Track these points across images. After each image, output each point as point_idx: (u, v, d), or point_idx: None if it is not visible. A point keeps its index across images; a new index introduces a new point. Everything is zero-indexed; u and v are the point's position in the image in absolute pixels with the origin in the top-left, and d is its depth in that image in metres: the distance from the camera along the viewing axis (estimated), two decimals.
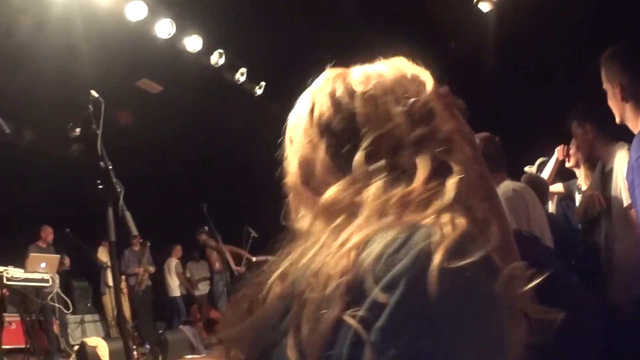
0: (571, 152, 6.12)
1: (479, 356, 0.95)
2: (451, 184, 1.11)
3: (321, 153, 1.29)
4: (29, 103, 10.65)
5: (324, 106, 1.33)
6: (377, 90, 1.28)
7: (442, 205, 1.07)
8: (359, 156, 1.20)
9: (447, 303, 0.93)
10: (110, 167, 4.59)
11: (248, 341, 1.20)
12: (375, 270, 0.98)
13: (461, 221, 1.02)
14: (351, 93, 1.30)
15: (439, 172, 1.14)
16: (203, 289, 18.15)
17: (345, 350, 0.96)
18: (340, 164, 1.25)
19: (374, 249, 1.01)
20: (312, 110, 1.36)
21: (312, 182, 1.32)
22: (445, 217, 1.03)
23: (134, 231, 4.55)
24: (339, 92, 1.32)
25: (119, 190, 4.50)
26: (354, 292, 0.99)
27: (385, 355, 0.90)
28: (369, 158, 1.19)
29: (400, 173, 1.16)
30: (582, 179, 6.21)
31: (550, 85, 11.96)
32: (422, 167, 1.14)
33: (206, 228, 16.46)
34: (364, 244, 1.04)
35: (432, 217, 1.04)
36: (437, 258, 0.93)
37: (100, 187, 4.54)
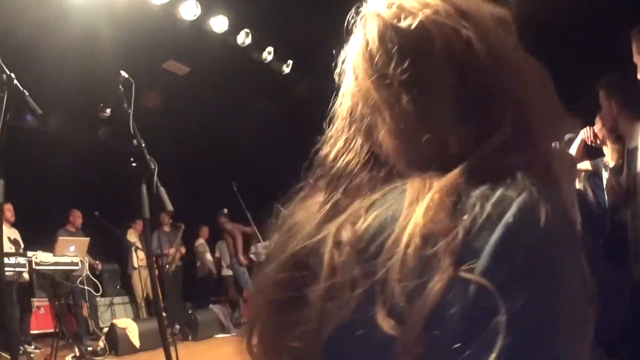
0: (597, 129, 6.05)
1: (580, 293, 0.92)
2: (534, 136, 1.06)
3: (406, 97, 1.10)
4: (54, 90, 10.61)
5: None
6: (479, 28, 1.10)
7: (527, 158, 1.02)
8: (447, 105, 1.08)
9: (559, 243, 0.92)
10: (143, 145, 4.59)
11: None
12: (480, 223, 0.92)
13: (548, 172, 1.01)
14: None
15: (520, 121, 1.05)
16: (228, 270, 17.99)
17: (467, 307, 0.88)
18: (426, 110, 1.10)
19: (473, 201, 0.95)
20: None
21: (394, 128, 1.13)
22: (534, 168, 0.99)
23: (169, 206, 4.55)
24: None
25: (152, 166, 4.49)
26: (463, 247, 0.91)
27: (516, 303, 0.84)
28: (459, 108, 1.08)
29: (487, 124, 1.06)
30: (609, 155, 6.13)
31: (577, 59, 11.82)
32: (508, 119, 1.04)
33: (225, 211, 16.57)
34: (459, 195, 0.97)
35: (521, 169, 0.98)
36: (541, 209, 0.90)
37: (134, 164, 4.54)
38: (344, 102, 1.26)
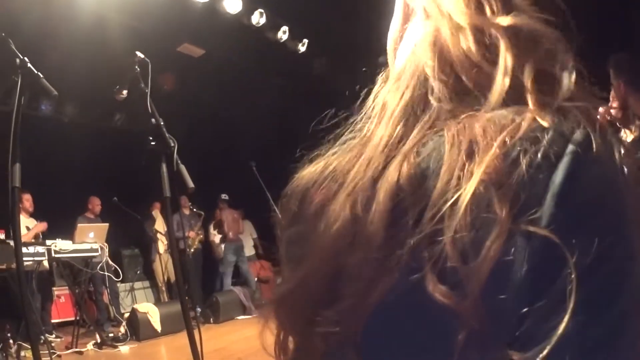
0: (613, 112, 5.98)
1: None
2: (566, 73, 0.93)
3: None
4: (69, 78, 10.63)
5: None
6: None
7: (566, 93, 0.90)
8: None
9: (628, 180, 0.82)
10: (162, 123, 4.53)
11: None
12: (536, 163, 0.80)
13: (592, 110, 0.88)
14: None
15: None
16: (249, 250, 18.04)
17: (532, 264, 0.77)
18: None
19: (526, 143, 0.83)
20: None
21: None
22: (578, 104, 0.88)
23: (190, 184, 4.50)
24: None
25: (172, 144, 4.44)
26: (521, 194, 0.80)
27: (587, 254, 0.74)
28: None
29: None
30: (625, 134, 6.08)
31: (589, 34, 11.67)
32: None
33: (223, 197, 16.62)
34: (507, 137, 0.84)
35: (567, 103, 0.88)
36: (602, 143, 0.80)
37: (153, 143, 4.49)
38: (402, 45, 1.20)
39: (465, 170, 0.84)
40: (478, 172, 0.82)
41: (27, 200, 11.93)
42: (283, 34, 13.46)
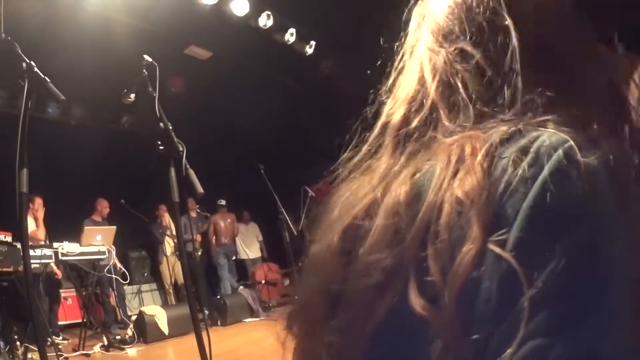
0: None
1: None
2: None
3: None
4: (76, 81, 10.67)
5: None
6: None
7: (570, 113, 0.94)
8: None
9: (602, 207, 0.81)
10: (171, 128, 4.53)
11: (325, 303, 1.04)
12: (513, 186, 0.84)
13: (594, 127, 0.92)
14: None
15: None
16: (255, 252, 18.23)
17: (500, 281, 0.81)
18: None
19: (506, 163, 0.88)
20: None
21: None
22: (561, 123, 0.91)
23: (199, 189, 4.51)
24: None
25: (181, 149, 4.44)
26: (493, 213, 0.84)
27: (551, 279, 0.76)
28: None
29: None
30: None
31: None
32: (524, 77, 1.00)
33: (220, 202, 16.69)
34: (492, 157, 0.90)
35: (551, 124, 0.91)
36: (581, 168, 0.82)
37: (161, 147, 4.49)
38: (413, 61, 1.23)
39: (448, 188, 0.91)
40: (459, 190, 0.89)
41: (39, 204, 11.95)
42: (290, 36, 13.50)
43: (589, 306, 0.76)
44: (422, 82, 1.16)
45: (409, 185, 0.99)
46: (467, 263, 0.83)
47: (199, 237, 15.98)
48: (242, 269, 17.90)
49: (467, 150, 0.93)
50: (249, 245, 18.15)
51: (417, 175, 1.00)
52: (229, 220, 17.19)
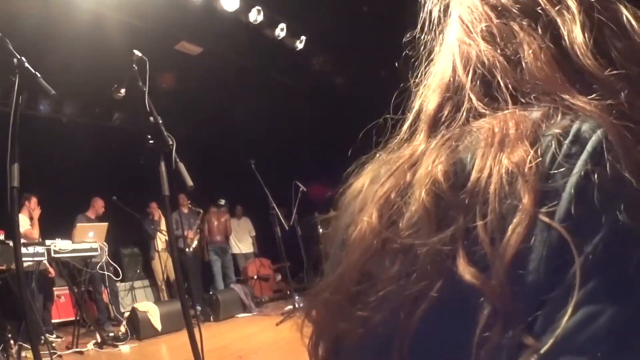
0: None
1: None
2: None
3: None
4: (66, 78, 10.65)
5: None
6: None
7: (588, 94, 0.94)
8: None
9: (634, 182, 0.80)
10: (160, 122, 4.54)
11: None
12: (558, 161, 0.86)
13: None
14: None
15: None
16: (247, 247, 18.29)
17: (550, 251, 0.81)
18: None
19: (550, 140, 0.89)
20: None
21: None
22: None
23: (189, 182, 4.51)
24: None
25: (170, 143, 4.45)
26: (542, 186, 0.85)
27: (598, 249, 0.77)
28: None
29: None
30: None
31: None
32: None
33: (220, 202, 16.74)
34: (535, 133, 0.92)
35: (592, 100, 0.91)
36: (622, 143, 0.82)
37: (151, 141, 4.49)
38: (444, 51, 1.24)
39: (496, 160, 0.91)
40: (507, 161, 0.89)
41: (35, 203, 11.95)
42: (281, 31, 13.47)
43: (628, 281, 0.76)
44: (455, 71, 1.17)
45: (447, 160, 0.99)
46: (518, 233, 0.83)
47: (191, 234, 15.94)
48: (234, 264, 17.92)
49: (511, 125, 0.95)
50: (241, 240, 18.21)
51: (457, 150, 1.00)
52: (222, 219, 17.31)
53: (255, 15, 12.77)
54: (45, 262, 11.22)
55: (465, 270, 0.86)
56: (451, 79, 1.17)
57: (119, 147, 15.78)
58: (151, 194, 14.31)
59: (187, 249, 15.03)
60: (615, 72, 0.93)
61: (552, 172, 0.85)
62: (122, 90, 5.33)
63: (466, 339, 0.84)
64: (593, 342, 0.75)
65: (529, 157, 0.87)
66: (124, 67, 5.26)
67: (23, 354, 9.65)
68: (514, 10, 1.09)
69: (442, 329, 0.91)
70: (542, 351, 0.77)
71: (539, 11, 1.05)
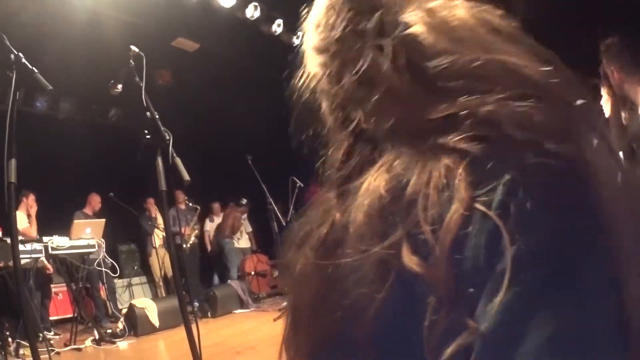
0: (603, 101, 6.03)
1: None
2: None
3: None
4: (63, 75, 10.65)
5: None
6: None
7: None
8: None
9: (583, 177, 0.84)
10: (157, 117, 4.54)
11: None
12: (494, 156, 0.89)
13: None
14: None
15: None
16: (244, 242, 18.28)
17: (485, 239, 0.83)
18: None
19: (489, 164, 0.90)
20: None
21: None
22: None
23: (186, 176, 4.52)
24: None
25: (167, 137, 4.45)
26: (478, 178, 0.87)
27: (531, 241, 0.79)
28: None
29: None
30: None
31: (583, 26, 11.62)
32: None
33: (242, 201, 16.84)
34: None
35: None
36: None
37: (148, 137, 4.50)
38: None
39: (434, 165, 0.94)
40: (445, 160, 0.92)
41: (33, 201, 11.96)
42: (277, 27, 13.46)
43: (569, 273, 0.78)
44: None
45: (386, 177, 1.02)
46: (455, 220, 0.86)
47: (188, 230, 15.94)
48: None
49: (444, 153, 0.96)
50: (240, 237, 18.21)
51: (393, 170, 1.03)
52: (242, 217, 17.81)
53: (252, 11, 12.77)
54: (43, 259, 11.21)
55: (410, 260, 0.90)
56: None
57: (115, 143, 15.73)
58: (148, 191, 14.33)
59: (184, 245, 15.04)
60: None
61: (488, 166, 0.87)
62: (119, 86, 5.36)
63: (418, 327, 0.87)
64: (520, 325, 0.78)
65: (467, 151, 0.91)
66: (121, 63, 5.26)
67: (21, 351, 9.65)
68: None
69: (398, 323, 0.94)
70: (479, 332, 0.81)
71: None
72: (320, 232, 1.12)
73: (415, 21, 1.06)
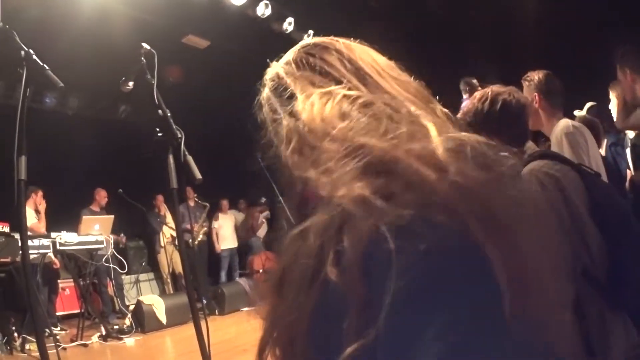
0: (611, 105, 6.17)
1: None
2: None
3: None
4: (73, 72, 10.65)
5: None
6: None
7: None
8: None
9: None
10: (169, 115, 4.52)
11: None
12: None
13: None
14: None
15: None
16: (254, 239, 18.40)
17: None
18: None
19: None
20: None
21: None
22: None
23: (198, 175, 4.49)
24: None
25: (179, 135, 4.44)
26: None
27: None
28: None
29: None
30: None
31: (597, 31, 11.63)
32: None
33: (262, 200, 17.03)
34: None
35: None
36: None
37: (160, 134, 4.48)
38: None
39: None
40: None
41: (41, 197, 11.97)
42: (289, 25, 13.45)
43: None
44: None
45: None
46: (365, 233, 0.96)
47: (196, 227, 15.93)
48: (241, 257, 18.09)
49: None
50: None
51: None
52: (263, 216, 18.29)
53: (263, 9, 12.78)
54: (51, 254, 11.23)
55: (331, 272, 1.00)
56: None
57: (124, 140, 15.80)
58: (157, 187, 14.34)
59: (193, 242, 15.05)
60: None
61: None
62: (130, 83, 5.32)
63: (340, 331, 0.95)
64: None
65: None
66: (130, 60, 5.24)
67: (27, 346, 9.67)
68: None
69: (325, 325, 1.03)
70: (367, 339, 0.90)
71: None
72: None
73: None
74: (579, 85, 8.68)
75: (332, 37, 1.51)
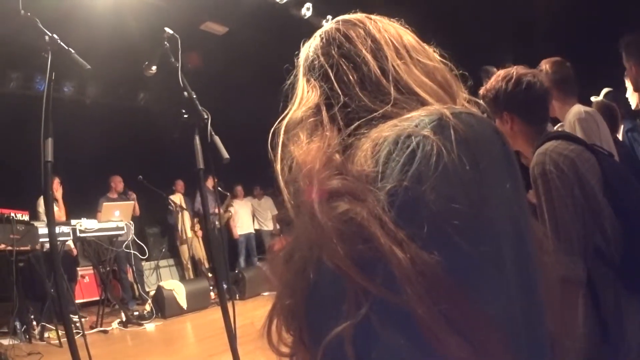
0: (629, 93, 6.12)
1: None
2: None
3: None
4: (91, 60, 10.66)
5: None
6: None
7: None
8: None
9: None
10: (194, 96, 4.55)
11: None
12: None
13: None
14: None
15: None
16: (270, 225, 18.71)
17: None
18: None
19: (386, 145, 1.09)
20: None
21: None
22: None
23: (225, 154, 4.53)
24: None
25: (205, 116, 4.47)
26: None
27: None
28: None
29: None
30: None
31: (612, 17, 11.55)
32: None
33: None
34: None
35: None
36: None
37: (186, 116, 4.51)
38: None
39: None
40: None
41: (57, 183, 11.99)
42: (307, 10, 13.40)
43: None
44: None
45: None
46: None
47: (218, 210, 16.03)
48: (260, 242, 18.23)
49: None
50: (265, 219, 18.73)
51: None
52: None
53: None
54: (70, 242, 11.27)
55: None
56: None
57: (143, 126, 15.81)
58: (177, 174, 14.40)
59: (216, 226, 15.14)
60: None
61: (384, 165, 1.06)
62: (154, 67, 5.33)
63: (339, 311, 1.00)
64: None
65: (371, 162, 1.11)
66: (149, 47, 5.26)
67: (46, 334, 9.71)
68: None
69: (324, 303, 1.10)
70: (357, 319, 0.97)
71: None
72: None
73: None
74: (597, 71, 8.66)
75: (366, 15, 1.53)
